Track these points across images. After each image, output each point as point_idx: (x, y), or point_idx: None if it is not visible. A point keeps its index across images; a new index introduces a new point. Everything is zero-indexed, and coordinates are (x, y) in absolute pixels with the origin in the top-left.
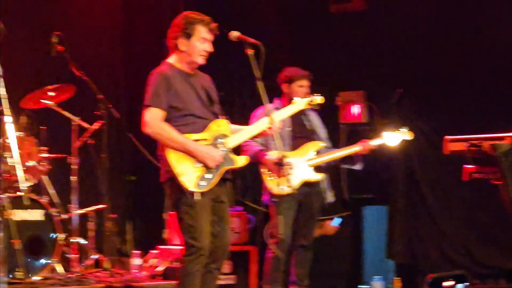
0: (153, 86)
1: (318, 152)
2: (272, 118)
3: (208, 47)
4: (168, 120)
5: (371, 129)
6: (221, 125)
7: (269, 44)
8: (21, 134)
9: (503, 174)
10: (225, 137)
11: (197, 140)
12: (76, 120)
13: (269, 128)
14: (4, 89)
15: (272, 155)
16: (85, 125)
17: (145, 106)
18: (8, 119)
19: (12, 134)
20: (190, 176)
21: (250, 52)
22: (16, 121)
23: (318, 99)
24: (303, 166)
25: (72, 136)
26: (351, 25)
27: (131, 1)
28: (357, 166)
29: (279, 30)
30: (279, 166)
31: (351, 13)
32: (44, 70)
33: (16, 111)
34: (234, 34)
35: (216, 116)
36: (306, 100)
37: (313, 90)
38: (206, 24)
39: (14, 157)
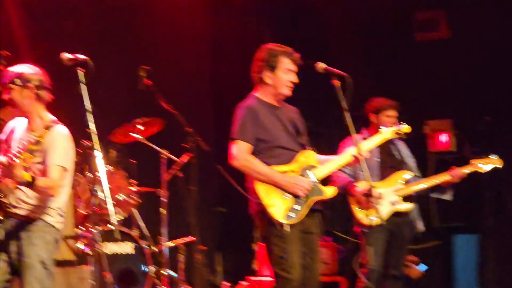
0: (240, 119)
1: (407, 182)
2: (360, 148)
3: (293, 78)
4: (256, 152)
5: (460, 157)
6: (309, 156)
7: (355, 74)
8: (111, 168)
9: None
10: (313, 168)
11: (285, 172)
12: (164, 153)
13: (357, 158)
14: (94, 125)
15: (361, 186)
16: (173, 158)
17: (232, 140)
18: (98, 154)
19: (102, 168)
20: (279, 207)
21: (336, 83)
22: (106, 155)
23: (405, 128)
24: (392, 196)
25: (161, 169)
26: (437, 53)
27: (218, 35)
28: (447, 196)
29: (365, 60)
30: (368, 197)
31: (436, 41)
32: (132, 104)
33: (106, 145)
34: (321, 65)
35: (303, 147)
36: (393, 129)
37: (401, 119)
38: (289, 55)
39: (104, 191)
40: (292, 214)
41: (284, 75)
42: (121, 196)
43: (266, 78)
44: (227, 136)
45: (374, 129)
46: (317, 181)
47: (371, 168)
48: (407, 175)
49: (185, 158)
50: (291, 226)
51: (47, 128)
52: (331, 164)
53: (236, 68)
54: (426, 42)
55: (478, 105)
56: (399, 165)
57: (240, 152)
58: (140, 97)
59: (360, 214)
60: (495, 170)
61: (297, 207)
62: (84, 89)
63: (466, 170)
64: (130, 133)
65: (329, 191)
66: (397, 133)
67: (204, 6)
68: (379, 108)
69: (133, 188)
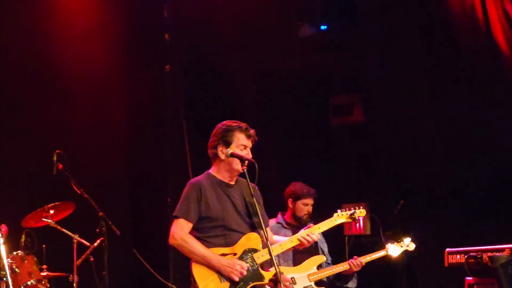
0: (184, 196)
1: (320, 267)
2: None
3: (248, 154)
4: (199, 230)
5: (374, 240)
6: (252, 239)
7: (270, 158)
8: (20, 253)
9: (501, 286)
10: (254, 251)
11: (224, 254)
12: (75, 237)
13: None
14: None
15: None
16: (85, 242)
17: (174, 217)
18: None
19: (3, 254)
20: None
21: (243, 168)
22: (16, 241)
23: (361, 212)
24: (305, 281)
25: (74, 254)
26: (352, 137)
27: (136, 119)
28: (351, 284)
29: (280, 144)
30: (276, 283)
31: (351, 126)
32: (45, 189)
33: (18, 231)
34: (228, 152)
35: (253, 228)
36: (348, 213)
37: (316, 203)
38: (245, 131)
39: (7, 277)
40: None
41: (239, 151)
42: (31, 282)
43: (220, 154)
44: (142, 221)
45: (289, 214)
46: (257, 265)
47: (286, 253)
48: (321, 260)
49: (97, 243)
50: None
51: None
52: (276, 247)
53: (154, 150)
54: (340, 126)
55: (393, 189)
56: (313, 250)
57: (178, 231)
58: (53, 182)
59: None
60: (408, 253)
61: None
62: None
63: (379, 254)
64: (42, 218)
65: (270, 276)
66: (351, 217)
67: (119, 85)
68: (297, 195)
69: (44, 273)
